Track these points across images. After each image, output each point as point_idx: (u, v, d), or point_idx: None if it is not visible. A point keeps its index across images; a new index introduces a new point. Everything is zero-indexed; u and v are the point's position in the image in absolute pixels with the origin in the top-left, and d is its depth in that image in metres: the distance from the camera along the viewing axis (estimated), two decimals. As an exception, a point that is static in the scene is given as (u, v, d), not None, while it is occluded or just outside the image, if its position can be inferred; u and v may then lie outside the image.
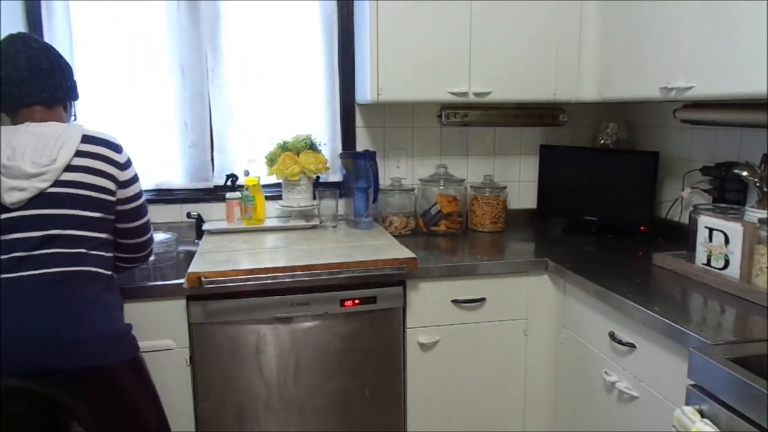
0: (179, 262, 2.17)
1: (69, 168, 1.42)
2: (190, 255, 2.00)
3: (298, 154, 2.32)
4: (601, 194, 2.41)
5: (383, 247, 2.06)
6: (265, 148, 2.39)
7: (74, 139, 1.45)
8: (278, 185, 2.41)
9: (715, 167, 2.05)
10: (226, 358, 1.85)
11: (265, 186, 2.40)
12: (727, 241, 1.69)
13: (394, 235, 2.28)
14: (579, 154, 2.52)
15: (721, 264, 1.71)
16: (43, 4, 2.14)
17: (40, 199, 1.39)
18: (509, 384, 2.11)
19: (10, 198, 1.37)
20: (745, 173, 1.79)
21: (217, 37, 2.32)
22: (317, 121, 2.48)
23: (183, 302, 1.80)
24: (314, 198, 2.41)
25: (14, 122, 1.50)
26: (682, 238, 2.03)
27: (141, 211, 1.61)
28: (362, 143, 2.52)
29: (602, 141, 2.60)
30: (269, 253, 1.99)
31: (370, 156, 2.32)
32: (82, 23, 2.21)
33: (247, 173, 2.33)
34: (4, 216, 1.38)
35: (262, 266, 1.82)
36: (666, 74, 1.85)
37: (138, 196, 1.59)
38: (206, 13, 2.29)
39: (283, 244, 2.12)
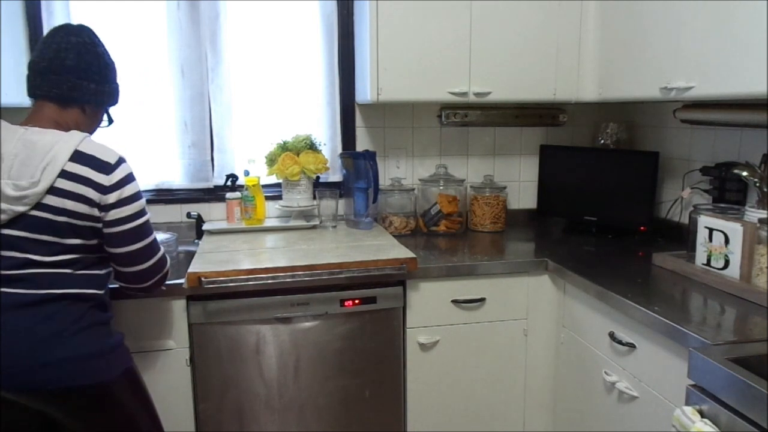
0: (179, 262, 2.17)
1: (52, 191, 1.33)
2: (190, 255, 2.00)
3: (298, 154, 2.32)
4: (601, 194, 2.41)
5: (383, 247, 2.06)
6: (265, 148, 2.39)
7: (62, 156, 1.34)
8: (278, 185, 2.41)
9: (715, 167, 2.05)
10: (226, 358, 1.85)
11: (265, 186, 2.40)
12: (727, 241, 1.69)
13: (394, 235, 2.28)
14: (579, 154, 2.52)
15: (721, 264, 1.71)
16: (43, 4, 2.14)
17: (21, 221, 1.33)
18: (509, 384, 2.11)
19: None
20: (745, 173, 1.79)
21: (217, 37, 2.32)
22: (317, 121, 2.48)
23: (183, 302, 1.80)
24: (314, 198, 2.41)
25: (29, 115, 1.44)
26: (682, 238, 2.03)
27: (137, 234, 1.45)
28: (362, 143, 2.52)
29: (602, 141, 2.60)
30: (269, 253, 1.99)
31: (370, 156, 2.32)
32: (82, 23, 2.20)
33: (247, 173, 2.33)
34: None
35: (262, 266, 1.82)
36: (666, 74, 1.85)
37: (131, 218, 1.43)
38: (206, 13, 2.29)
39: (283, 244, 2.12)
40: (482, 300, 2.03)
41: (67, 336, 1.35)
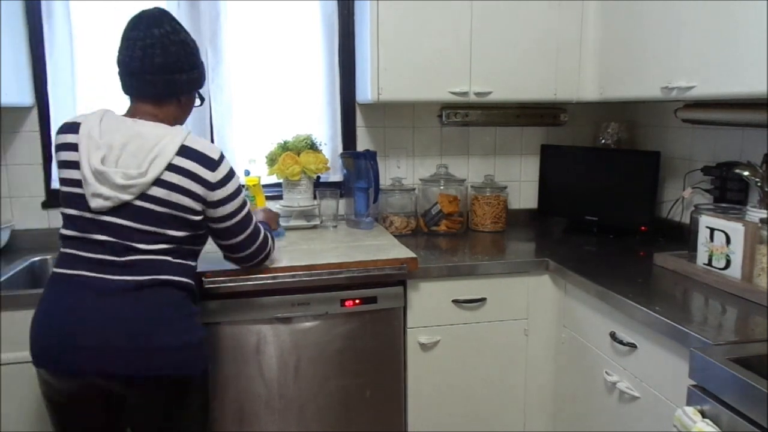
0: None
1: (158, 182, 1.37)
2: (191, 255, 2.00)
3: (298, 154, 2.32)
4: (602, 194, 2.41)
5: (384, 247, 2.06)
6: (265, 147, 2.39)
7: (170, 149, 1.37)
8: (279, 185, 2.41)
9: (717, 167, 2.05)
10: (226, 358, 1.85)
11: (265, 186, 2.39)
12: (728, 241, 1.68)
13: (394, 235, 2.28)
14: (580, 154, 2.52)
15: (723, 264, 1.71)
16: (43, 4, 2.14)
17: (124, 209, 1.36)
18: (510, 384, 2.11)
19: (93, 203, 1.36)
20: (746, 173, 1.79)
21: (218, 36, 2.32)
22: (317, 121, 2.48)
23: (183, 302, 1.79)
24: (315, 198, 2.41)
25: (129, 110, 1.47)
26: (684, 238, 2.02)
27: (238, 228, 1.54)
28: (363, 143, 2.52)
29: (603, 141, 2.60)
30: (269, 253, 1.99)
31: (370, 156, 2.32)
32: (82, 23, 2.20)
33: (247, 173, 2.32)
34: (88, 216, 1.37)
35: (263, 266, 1.82)
36: (667, 74, 1.85)
37: (233, 214, 1.50)
38: (206, 12, 2.29)
39: (284, 244, 2.11)
40: (483, 300, 2.02)
41: (165, 323, 1.38)
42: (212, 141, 2.38)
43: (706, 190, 2.12)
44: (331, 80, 2.45)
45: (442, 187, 2.48)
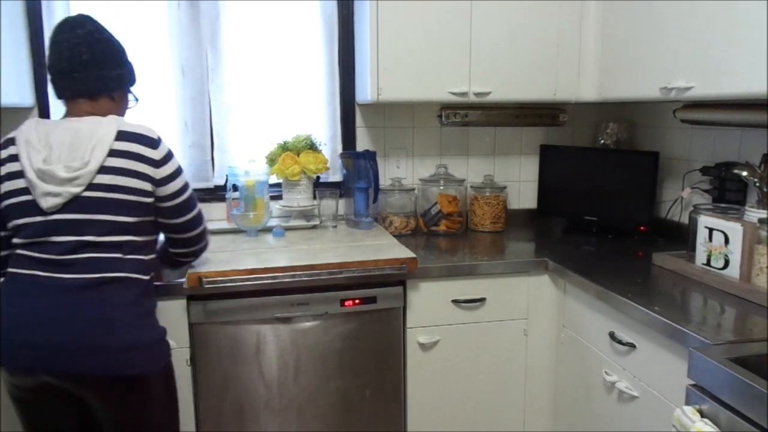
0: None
1: (102, 170, 1.39)
2: (191, 255, 2.00)
3: (298, 154, 2.32)
4: (601, 194, 2.41)
5: (383, 247, 2.06)
6: (265, 148, 2.39)
7: (108, 136, 1.40)
8: (278, 185, 2.41)
9: (715, 167, 2.05)
10: (226, 358, 1.85)
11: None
12: (727, 241, 1.69)
13: (394, 235, 2.28)
14: (579, 154, 2.52)
15: (721, 264, 1.71)
16: (43, 4, 2.14)
17: (75, 203, 1.38)
18: (509, 384, 2.11)
19: (45, 203, 1.37)
20: (745, 173, 1.79)
21: (217, 37, 2.32)
22: (317, 121, 2.48)
23: (183, 302, 1.79)
24: (314, 198, 2.41)
25: (65, 113, 1.50)
26: (682, 238, 2.03)
27: (188, 206, 1.56)
28: (362, 143, 2.52)
29: (602, 141, 2.60)
30: (269, 253, 1.99)
31: (370, 156, 2.32)
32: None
33: (247, 173, 2.32)
34: (41, 219, 1.39)
35: (262, 266, 1.82)
36: (666, 74, 1.85)
37: (181, 191, 1.52)
38: (206, 13, 2.29)
39: (283, 244, 2.12)
40: (482, 300, 2.03)
41: (119, 323, 1.38)
42: (212, 141, 2.39)
43: (705, 191, 2.13)
44: (331, 80, 2.46)
45: (441, 187, 2.48)
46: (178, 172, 1.51)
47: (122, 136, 1.42)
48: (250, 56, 2.38)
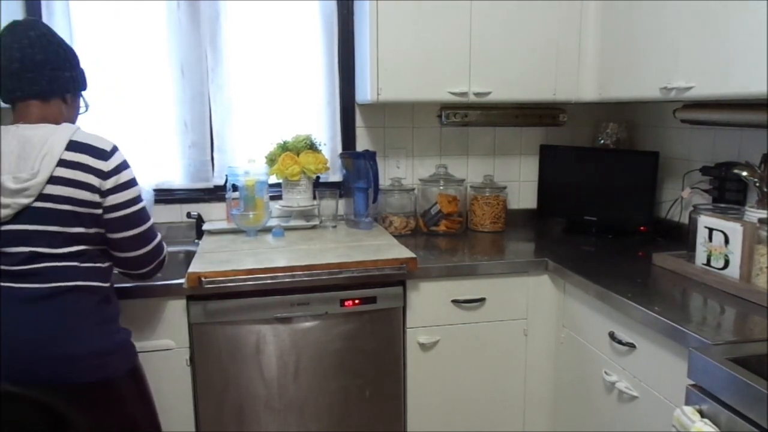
0: (179, 261, 2.17)
1: (52, 180, 1.35)
2: (190, 255, 2.00)
3: (298, 154, 2.32)
4: (601, 194, 2.42)
5: (383, 247, 2.06)
6: (265, 148, 2.39)
7: (59, 146, 1.37)
8: (278, 185, 2.41)
9: (715, 167, 2.05)
10: (226, 358, 1.85)
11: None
12: (726, 241, 1.69)
13: (394, 235, 2.28)
14: (579, 154, 2.52)
15: (721, 264, 1.71)
16: (43, 4, 2.14)
17: (26, 214, 1.35)
18: (509, 384, 2.11)
19: None
20: (744, 173, 1.79)
21: (217, 37, 2.32)
22: (317, 121, 2.48)
23: (183, 302, 1.80)
24: (314, 198, 2.41)
25: (14, 117, 1.46)
26: (682, 238, 2.03)
27: (135, 220, 1.48)
28: (362, 143, 2.52)
29: (602, 141, 2.60)
30: (269, 253, 1.99)
31: (370, 156, 2.32)
32: (82, 23, 2.21)
33: (247, 173, 2.32)
34: None
35: (262, 266, 1.82)
36: (666, 74, 1.85)
37: (128, 204, 1.46)
38: (206, 13, 2.29)
39: (283, 244, 2.12)
40: (482, 300, 2.03)
41: (77, 331, 1.37)
42: (212, 141, 2.39)
43: (705, 191, 2.13)
44: (331, 80, 2.46)
45: (441, 188, 2.48)
46: (128, 184, 1.46)
47: (73, 146, 1.39)
48: (249, 56, 2.38)
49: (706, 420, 1.21)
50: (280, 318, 1.87)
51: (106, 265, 1.48)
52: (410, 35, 2.12)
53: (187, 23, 2.28)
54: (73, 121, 1.55)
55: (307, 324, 1.90)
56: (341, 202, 2.50)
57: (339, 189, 2.47)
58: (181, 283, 1.76)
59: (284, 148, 2.34)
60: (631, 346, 1.63)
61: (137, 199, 1.49)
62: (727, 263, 1.69)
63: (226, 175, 2.32)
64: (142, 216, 1.51)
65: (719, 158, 2.09)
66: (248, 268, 1.80)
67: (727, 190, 2.01)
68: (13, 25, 1.46)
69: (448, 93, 2.18)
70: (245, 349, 1.86)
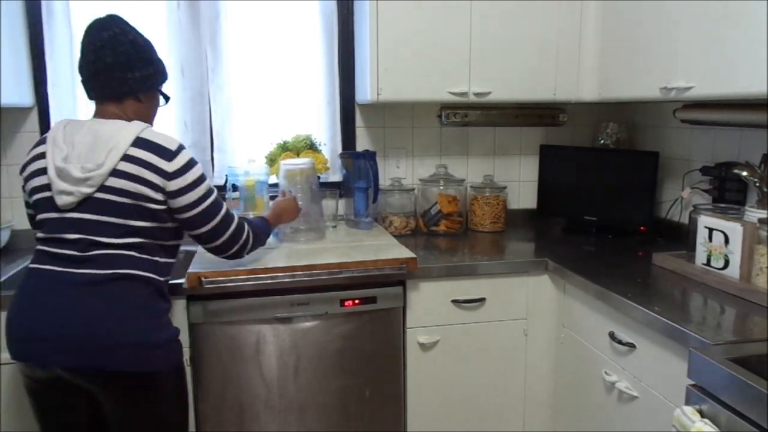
0: (179, 262, 2.16)
1: (115, 173, 1.40)
2: (190, 255, 2.00)
3: (298, 154, 2.32)
4: (601, 194, 2.42)
5: (383, 247, 2.06)
6: (265, 148, 2.39)
7: (125, 141, 1.42)
8: (278, 185, 2.41)
9: (715, 167, 2.05)
10: (226, 358, 1.85)
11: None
12: (727, 241, 1.69)
13: (394, 235, 2.28)
14: (579, 154, 2.52)
15: (721, 264, 1.71)
16: (43, 4, 2.14)
17: (88, 203, 1.41)
18: (509, 384, 2.11)
19: (59, 201, 1.40)
20: (744, 173, 1.79)
21: (217, 37, 2.32)
22: (317, 121, 2.48)
23: (183, 302, 1.80)
24: (314, 198, 2.41)
25: (94, 113, 1.52)
26: (682, 238, 2.03)
27: (209, 214, 1.54)
28: (362, 143, 2.52)
29: (602, 141, 2.60)
30: (269, 253, 1.99)
31: (370, 156, 2.32)
32: (82, 23, 2.19)
33: (247, 173, 2.32)
34: (56, 216, 1.42)
35: (262, 266, 1.82)
36: (666, 74, 1.85)
37: (198, 202, 1.50)
38: (206, 13, 2.29)
39: (283, 244, 2.12)
40: (482, 300, 2.03)
41: (127, 319, 1.40)
42: (212, 141, 2.39)
43: (705, 191, 2.13)
44: (331, 80, 2.46)
45: (441, 188, 2.48)
46: (196, 182, 1.50)
47: (139, 142, 1.43)
48: (249, 56, 2.38)
49: (706, 420, 1.21)
50: (280, 318, 1.87)
51: (164, 260, 1.51)
52: (410, 35, 2.12)
53: (187, 23, 2.28)
54: (151, 116, 1.61)
55: (307, 324, 1.90)
56: (341, 202, 2.50)
57: (339, 189, 2.47)
58: (181, 283, 1.76)
59: (284, 148, 2.34)
60: (631, 346, 1.63)
61: (208, 194, 1.54)
62: (727, 263, 1.69)
63: (226, 175, 2.32)
64: (215, 208, 1.56)
65: (719, 158, 2.09)
66: (248, 268, 1.80)
67: (727, 190, 2.01)
68: (90, 26, 1.51)
69: (448, 93, 2.18)
70: (245, 349, 1.86)
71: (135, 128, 1.45)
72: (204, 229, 1.56)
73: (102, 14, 1.53)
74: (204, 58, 2.32)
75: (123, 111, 1.51)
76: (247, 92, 2.40)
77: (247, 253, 1.71)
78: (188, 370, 1.82)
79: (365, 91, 2.22)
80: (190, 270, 1.78)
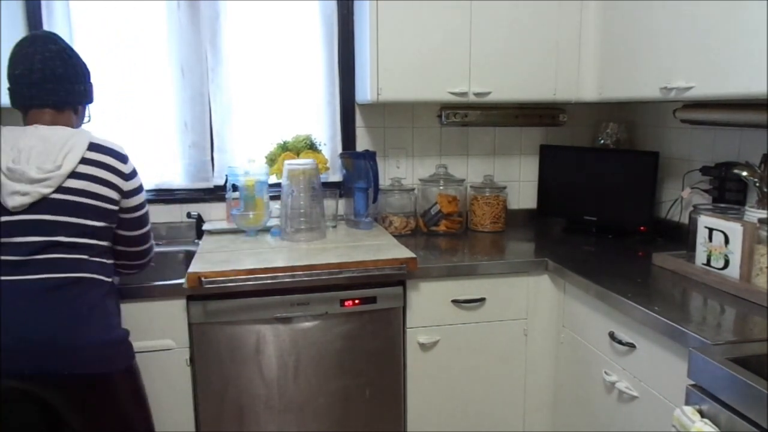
0: (179, 261, 2.17)
1: (74, 175, 1.43)
2: (190, 255, 2.00)
3: (298, 154, 2.32)
4: (601, 194, 2.42)
5: (383, 247, 2.06)
6: (265, 148, 2.39)
7: (81, 145, 1.46)
8: (278, 185, 2.41)
9: (715, 167, 2.05)
10: (226, 358, 1.85)
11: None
12: (726, 241, 1.69)
13: (394, 235, 2.28)
14: (579, 154, 2.52)
15: (721, 264, 1.71)
16: (43, 4, 2.14)
17: (43, 204, 1.40)
18: (509, 384, 2.11)
19: (12, 202, 1.39)
20: (744, 173, 1.79)
21: (217, 37, 2.32)
22: (317, 121, 2.48)
23: (183, 302, 1.80)
24: (314, 198, 2.41)
25: (25, 122, 1.52)
26: (682, 238, 2.03)
27: (144, 221, 1.63)
28: (362, 143, 2.52)
29: (602, 141, 2.60)
30: (269, 253, 1.99)
31: (370, 156, 2.32)
32: (82, 23, 2.21)
33: (247, 173, 2.32)
34: (5, 219, 1.39)
35: (262, 266, 1.82)
36: (666, 74, 1.85)
37: (141, 206, 1.60)
38: (206, 13, 2.29)
39: (283, 244, 2.12)
40: (482, 300, 2.03)
41: (84, 322, 1.40)
42: (212, 141, 2.39)
43: (705, 191, 2.13)
44: (331, 80, 2.46)
45: (441, 188, 2.48)
46: (141, 188, 1.60)
47: (94, 147, 1.49)
48: (249, 56, 2.38)
49: (706, 420, 1.21)
50: (280, 318, 1.87)
51: (110, 261, 1.55)
52: (410, 35, 2.12)
53: (187, 23, 2.28)
54: (79, 128, 1.62)
55: (307, 324, 1.90)
56: (341, 202, 2.50)
57: (339, 189, 2.47)
58: (181, 283, 1.76)
59: (284, 148, 2.34)
60: (631, 346, 1.63)
61: (145, 202, 1.64)
62: (727, 263, 1.69)
63: (226, 175, 2.32)
64: (148, 215, 1.66)
65: (719, 158, 2.09)
66: (248, 268, 1.80)
67: (727, 190, 2.01)
68: (34, 37, 1.53)
69: (448, 93, 2.18)
70: (245, 349, 1.86)
71: (86, 134, 1.50)
72: (139, 232, 1.62)
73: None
74: (204, 58, 2.32)
75: (58, 120, 1.52)
76: (247, 92, 2.40)
77: (147, 267, 1.75)
78: (188, 370, 1.83)
79: (365, 91, 2.22)
80: (190, 270, 1.78)
